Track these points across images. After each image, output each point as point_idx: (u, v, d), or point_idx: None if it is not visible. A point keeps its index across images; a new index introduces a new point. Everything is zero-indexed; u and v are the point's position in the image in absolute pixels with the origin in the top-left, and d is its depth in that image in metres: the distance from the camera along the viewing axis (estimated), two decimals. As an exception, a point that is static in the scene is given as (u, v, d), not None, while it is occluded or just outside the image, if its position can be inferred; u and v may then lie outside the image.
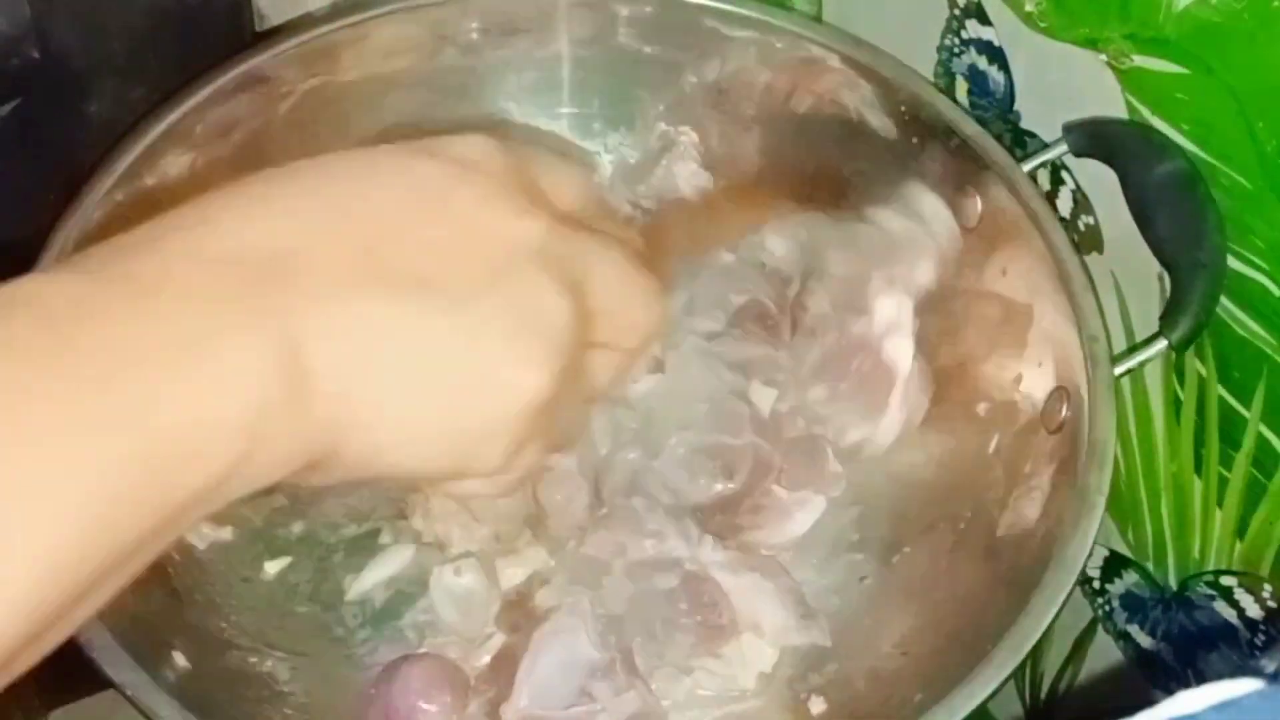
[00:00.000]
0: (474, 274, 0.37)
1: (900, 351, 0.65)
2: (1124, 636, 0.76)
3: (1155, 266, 0.62)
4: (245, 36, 0.79)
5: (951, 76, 0.71)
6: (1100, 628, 0.78)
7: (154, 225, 0.35)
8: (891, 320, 0.65)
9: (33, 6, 0.63)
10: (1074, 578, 0.53)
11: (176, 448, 0.31)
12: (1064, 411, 0.60)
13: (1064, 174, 0.67)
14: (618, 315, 0.41)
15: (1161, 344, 0.58)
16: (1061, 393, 0.60)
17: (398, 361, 0.35)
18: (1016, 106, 0.68)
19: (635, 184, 0.74)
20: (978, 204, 0.66)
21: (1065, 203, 0.68)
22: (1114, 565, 0.74)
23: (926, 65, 0.72)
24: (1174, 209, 0.59)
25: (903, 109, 0.68)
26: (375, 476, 0.37)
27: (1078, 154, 0.64)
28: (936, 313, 0.69)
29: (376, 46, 0.70)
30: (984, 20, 0.67)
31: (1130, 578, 0.74)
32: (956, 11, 0.69)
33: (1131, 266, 0.65)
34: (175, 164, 0.65)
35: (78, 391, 0.30)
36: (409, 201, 0.37)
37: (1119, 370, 0.58)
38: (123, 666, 0.50)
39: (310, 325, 0.33)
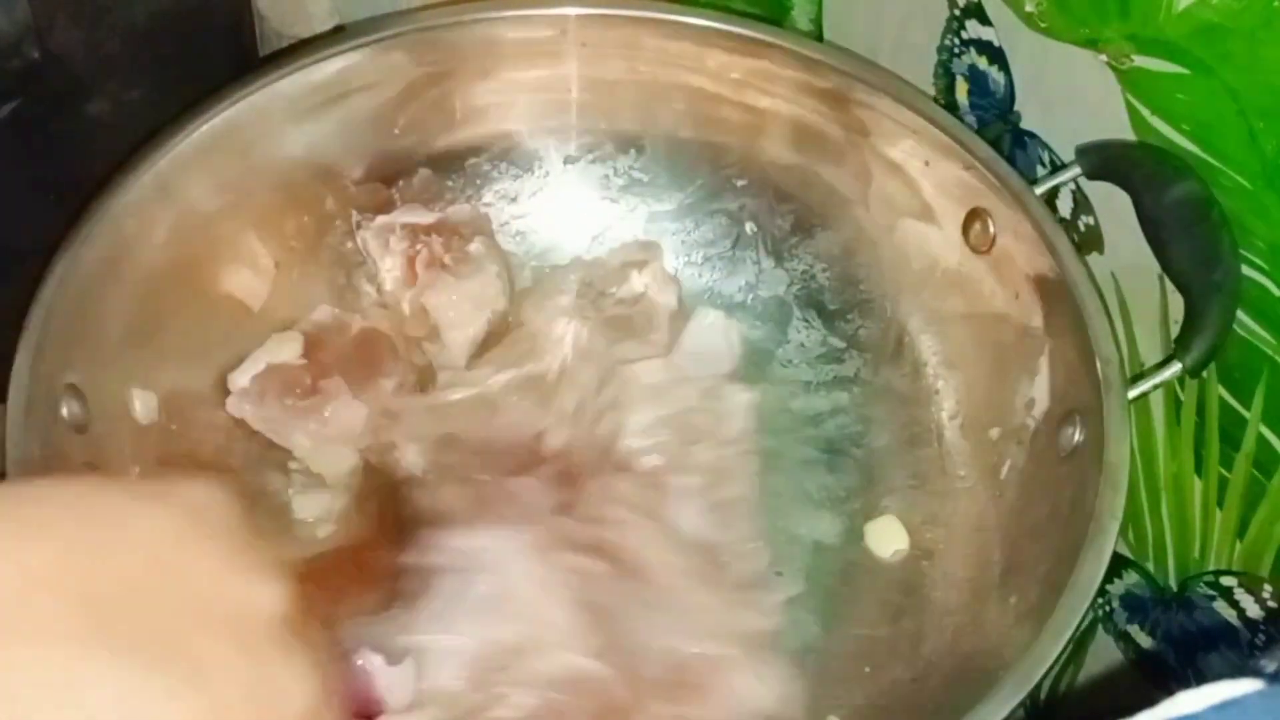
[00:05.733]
0: (220, 645, 0.32)
1: None
2: (1124, 637, 0.76)
3: (1157, 267, 0.62)
4: (245, 38, 0.80)
5: (951, 77, 0.71)
6: (1100, 628, 0.78)
7: None
8: None
9: (33, 7, 0.63)
10: (1087, 602, 0.53)
11: None
12: (1076, 436, 0.59)
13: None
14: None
15: (1176, 367, 0.58)
16: (1074, 416, 0.60)
17: None
18: (1016, 107, 0.68)
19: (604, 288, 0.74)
20: (990, 227, 0.66)
21: (1065, 203, 0.68)
22: (1114, 565, 0.74)
23: (927, 66, 0.72)
24: (1188, 232, 0.59)
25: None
26: None
27: (1091, 177, 0.63)
28: (949, 337, 0.69)
29: (385, 69, 0.70)
30: (984, 20, 0.67)
31: (1130, 578, 0.74)
32: (956, 12, 0.69)
33: (1133, 266, 0.65)
34: (178, 188, 0.65)
35: None
36: (145, 557, 0.33)
37: (1133, 394, 0.58)
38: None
39: None
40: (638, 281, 0.73)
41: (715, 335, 0.74)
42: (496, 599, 0.60)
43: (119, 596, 0.31)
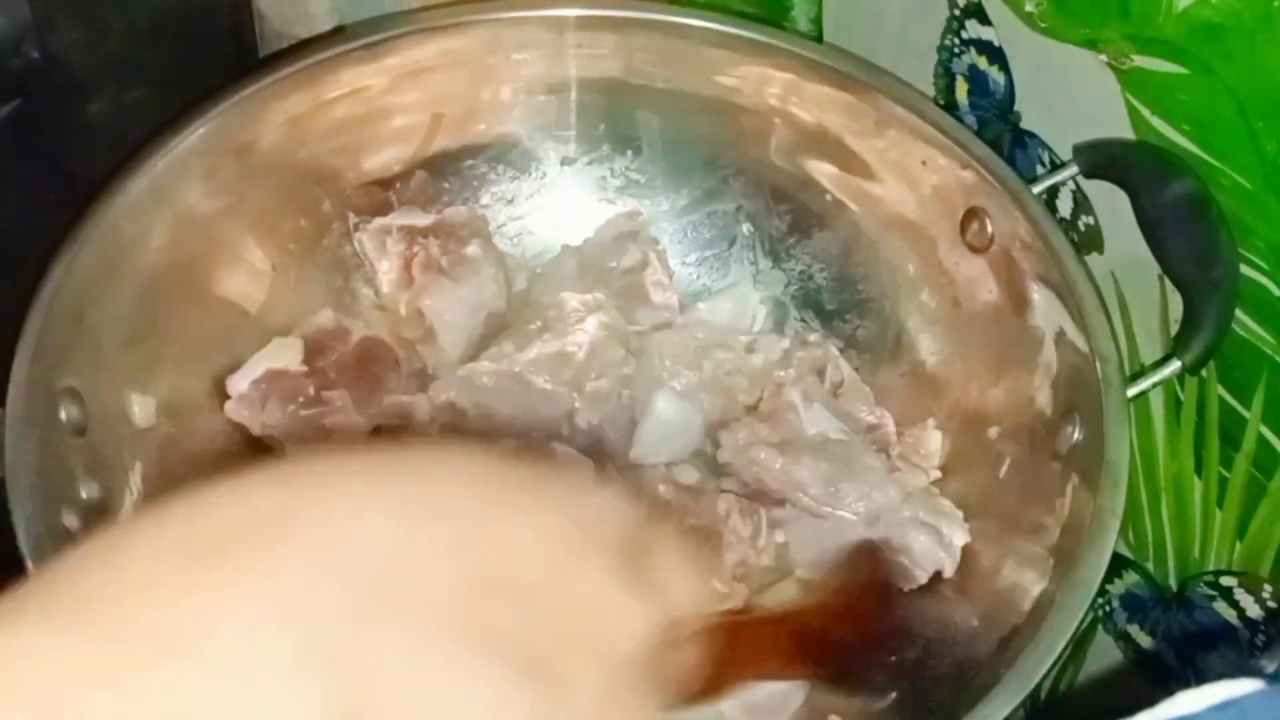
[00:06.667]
0: (585, 666, 0.31)
1: None
2: (1124, 637, 0.76)
3: (1156, 266, 0.62)
4: (245, 38, 0.79)
5: (951, 77, 0.71)
6: (1100, 628, 0.78)
7: (185, 548, 0.27)
8: None
9: (33, 6, 0.63)
10: (1087, 602, 0.53)
11: None
12: (1076, 434, 0.59)
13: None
14: None
15: (1175, 365, 0.58)
16: (1073, 415, 0.60)
17: None
18: (1016, 106, 0.68)
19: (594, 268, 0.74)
20: (987, 226, 0.66)
21: (1065, 203, 0.68)
22: (1114, 565, 0.74)
23: (926, 65, 0.72)
24: (1186, 230, 0.59)
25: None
26: None
27: (1088, 175, 0.63)
28: (947, 337, 0.69)
29: (384, 70, 0.70)
30: (984, 20, 0.67)
31: (1130, 578, 0.74)
32: (956, 11, 0.69)
33: (1132, 265, 0.65)
34: (176, 191, 0.65)
35: None
36: (537, 557, 0.32)
37: (1132, 392, 0.58)
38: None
39: (375, 688, 0.27)
40: (634, 250, 0.73)
41: (736, 305, 0.75)
42: None
43: (500, 591, 0.30)
